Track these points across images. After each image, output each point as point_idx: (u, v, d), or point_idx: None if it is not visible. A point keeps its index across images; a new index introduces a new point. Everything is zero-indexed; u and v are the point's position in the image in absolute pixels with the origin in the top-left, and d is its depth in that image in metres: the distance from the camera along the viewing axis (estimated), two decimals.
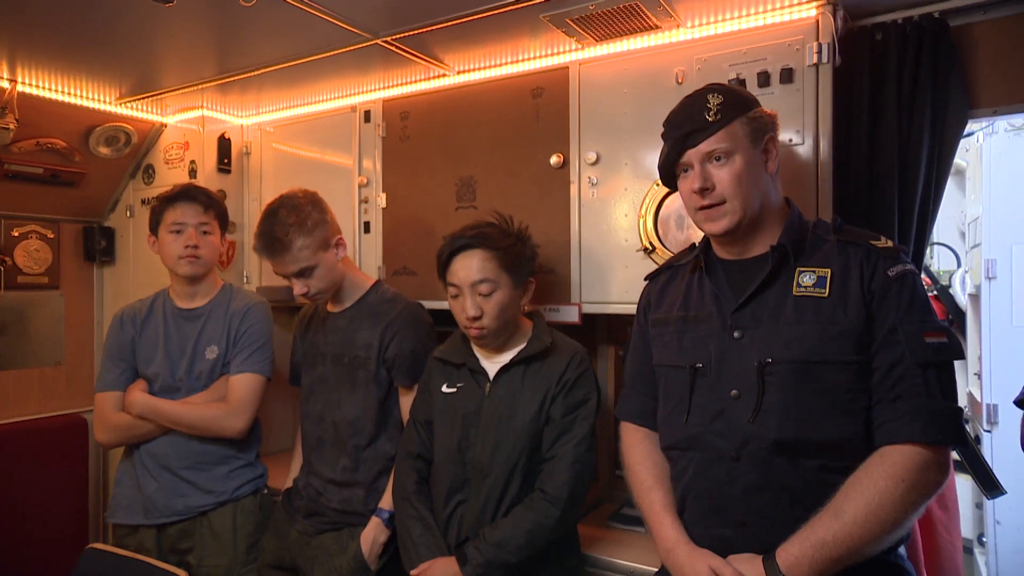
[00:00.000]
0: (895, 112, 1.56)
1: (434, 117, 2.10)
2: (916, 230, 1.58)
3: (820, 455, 1.11)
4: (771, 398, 1.13)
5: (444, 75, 2.10)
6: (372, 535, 1.65)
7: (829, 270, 1.15)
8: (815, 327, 1.13)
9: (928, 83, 1.53)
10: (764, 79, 1.57)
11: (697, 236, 1.47)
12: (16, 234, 2.56)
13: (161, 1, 1.32)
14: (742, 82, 1.59)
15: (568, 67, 1.86)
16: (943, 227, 3.82)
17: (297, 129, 2.46)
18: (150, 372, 1.84)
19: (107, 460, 2.74)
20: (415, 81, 2.16)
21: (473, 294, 1.50)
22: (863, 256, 1.15)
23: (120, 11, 1.67)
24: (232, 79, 2.17)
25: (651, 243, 1.66)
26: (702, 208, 1.21)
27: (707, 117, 1.18)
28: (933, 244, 3.74)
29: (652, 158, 1.65)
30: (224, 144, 2.48)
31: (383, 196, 2.18)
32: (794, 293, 1.16)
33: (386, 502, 1.68)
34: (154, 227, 1.87)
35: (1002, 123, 2.74)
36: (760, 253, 1.22)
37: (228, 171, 2.49)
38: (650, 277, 1.45)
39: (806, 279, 1.16)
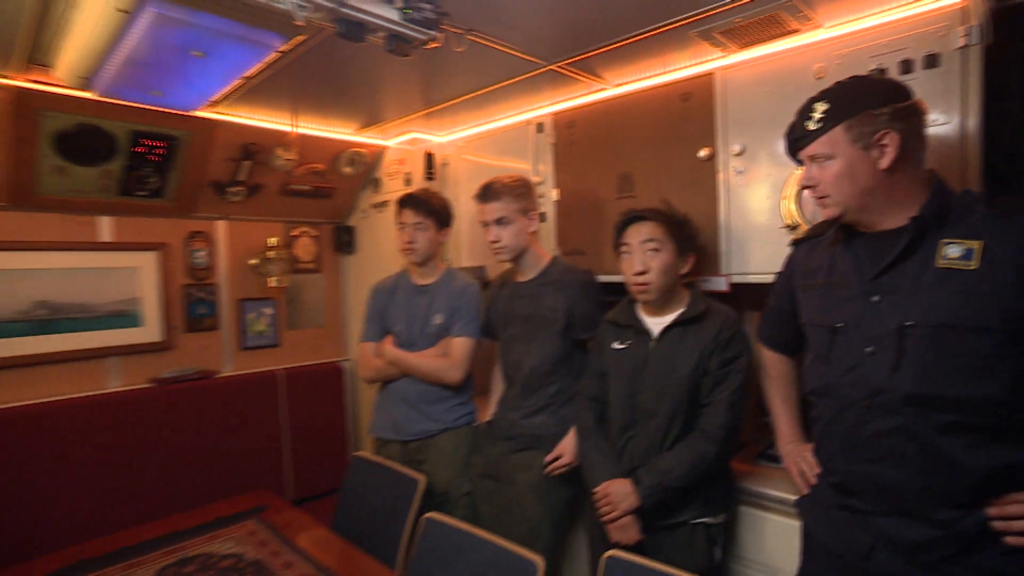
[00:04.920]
0: None
1: (596, 124, 2.16)
2: None
3: (953, 411, 1.04)
4: (909, 358, 1.06)
5: (603, 88, 2.16)
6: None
7: (980, 242, 1.04)
8: (958, 296, 1.03)
9: None
10: (906, 67, 1.47)
11: None
12: (295, 234, 3.01)
13: (400, 55, 1.40)
14: (883, 71, 1.50)
15: (713, 73, 1.84)
16: None
17: (483, 142, 2.62)
18: (396, 330, 2.09)
19: (357, 396, 3.15)
20: (579, 96, 2.24)
21: (642, 251, 1.56)
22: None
23: (360, 68, 1.92)
24: (435, 109, 2.38)
25: (795, 221, 1.63)
26: (814, 196, 1.21)
27: (807, 126, 1.16)
28: None
29: None
30: (429, 158, 2.69)
31: (556, 191, 2.29)
32: (937, 265, 1.06)
33: None
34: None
35: None
36: (896, 226, 1.13)
37: (432, 178, 2.69)
38: (795, 243, 1.41)
39: (952, 251, 1.06)
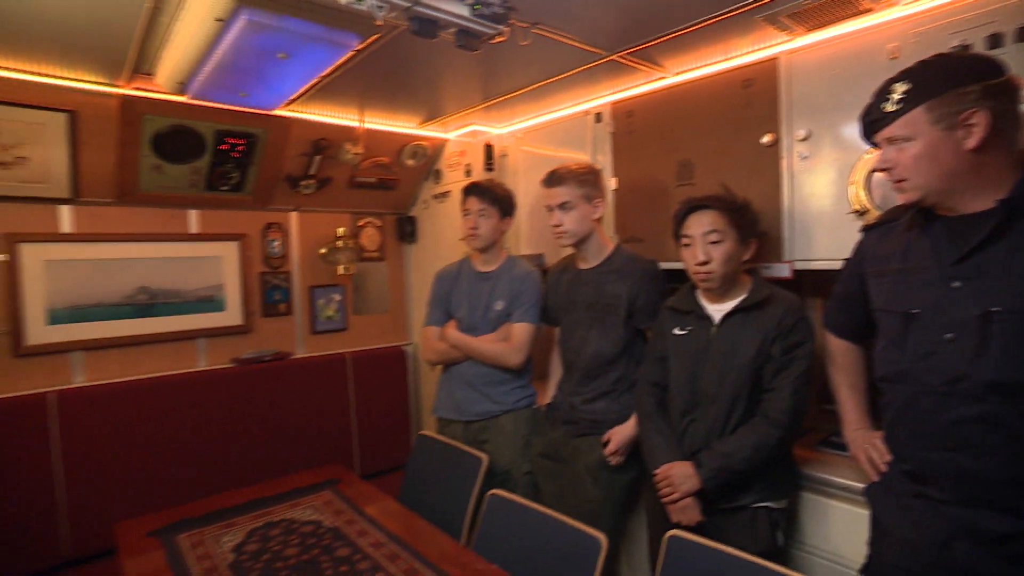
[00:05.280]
0: None
1: (655, 113, 2.14)
2: None
3: None
4: (994, 344, 1.02)
5: (663, 77, 2.14)
6: (630, 428, 1.80)
7: None
8: None
9: None
10: (995, 41, 1.37)
11: None
12: (361, 224, 3.14)
13: (469, 49, 1.43)
14: (967, 47, 1.42)
15: (777, 58, 1.79)
16: None
17: (541, 133, 2.62)
18: (458, 315, 2.14)
19: (418, 378, 3.27)
20: (638, 85, 2.22)
21: (703, 243, 1.54)
22: None
23: (422, 64, 1.98)
24: (495, 102, 2.41)
25: (863, 206, 1.58)
26: (891, 180, 1.16)
27: (884, 107, 1.11)
28: None
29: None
30: (488, 150, 2.72)
31: (614, 180, 2.27)
32: None
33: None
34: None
35: None
36: (981, 209, 1.06)
37: (492, 169, 2.73)
38: (866, 229, 1.36)
39: None
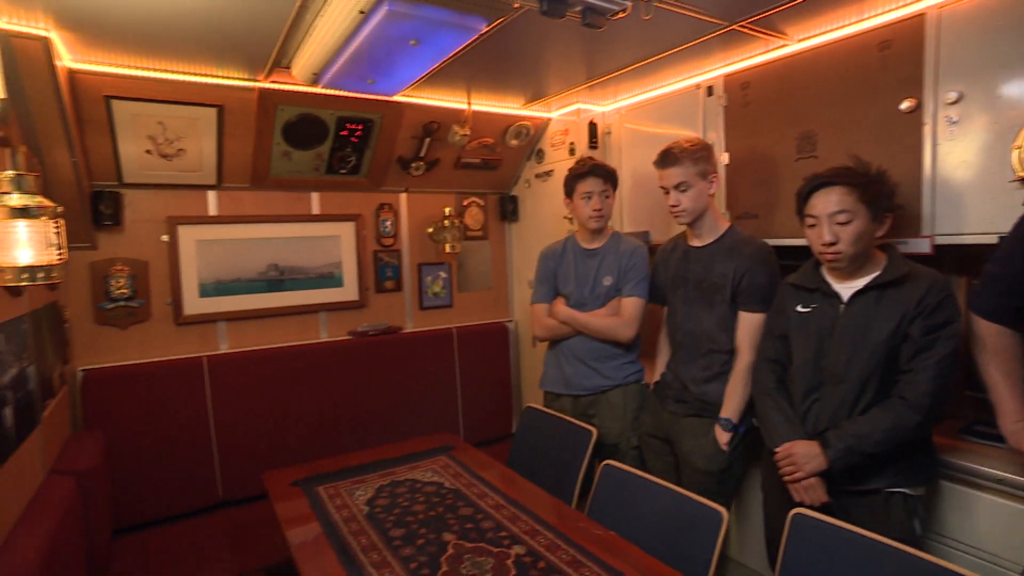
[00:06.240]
0: None
1: (774, 83, 2.04)
2: None
3: None
4: None
5: (784, 45, 2.02)
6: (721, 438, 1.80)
7: None
8: None
9: None
10: None
11: None
12: (465, 204, 3.24)
13: (594, 27, 1.42)
14: None
15: (924, 13, 1.64)
16: None
17: (647, 109, 2.57)
18: (566, 291, 2.17)
19: (520, 353, 3.36)
20: (755, 55, 2.12)
21: (830, 223, 1.46)
22: None
23: (529, 45, 1.99)
24: (601, 80, 2.39)
25: None
26: None
27: None
28: None
29: None
30: (592, 128, 2.72)
31: (726, 155, 2.20)
32: None
33: (726, 410, 1.79)
34: (569, 193, 2.13)
35: None
36: None
37: (596, 147, 2.72)
38: None
39: None
